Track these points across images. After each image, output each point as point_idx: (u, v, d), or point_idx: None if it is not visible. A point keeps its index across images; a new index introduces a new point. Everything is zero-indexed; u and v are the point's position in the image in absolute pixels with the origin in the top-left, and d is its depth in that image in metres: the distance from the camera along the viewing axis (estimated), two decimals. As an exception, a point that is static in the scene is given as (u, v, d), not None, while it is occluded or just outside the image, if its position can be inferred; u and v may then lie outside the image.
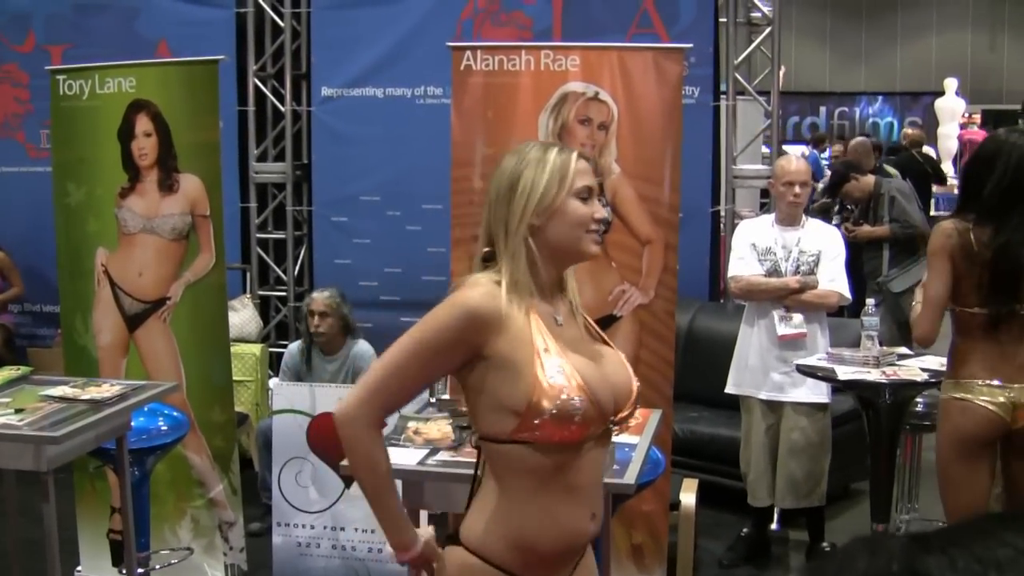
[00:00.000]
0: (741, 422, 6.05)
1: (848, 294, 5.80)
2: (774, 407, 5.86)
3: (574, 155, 2.63)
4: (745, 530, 6.12)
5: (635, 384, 2.68)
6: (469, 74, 5.36)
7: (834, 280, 5.75)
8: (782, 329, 5.74)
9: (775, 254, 5.78)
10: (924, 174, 12.29)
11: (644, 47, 5.62)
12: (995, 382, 4.19)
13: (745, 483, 6.03)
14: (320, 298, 6.50)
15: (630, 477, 3.66)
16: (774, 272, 5.76)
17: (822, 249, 5.79)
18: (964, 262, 4.18)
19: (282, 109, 8.35)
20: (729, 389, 5.99)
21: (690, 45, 5.98)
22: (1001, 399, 4.18)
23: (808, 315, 5.77)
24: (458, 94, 5.43)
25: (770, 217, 5.99)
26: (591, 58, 5.30)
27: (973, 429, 4.21)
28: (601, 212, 2.64)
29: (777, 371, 5.77)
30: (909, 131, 15.41)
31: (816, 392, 5.74)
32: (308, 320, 6.50)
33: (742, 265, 5.83)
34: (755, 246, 5.82)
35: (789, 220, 5.84)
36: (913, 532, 1.03)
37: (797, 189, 5.78)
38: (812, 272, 5.75)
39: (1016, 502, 4.38)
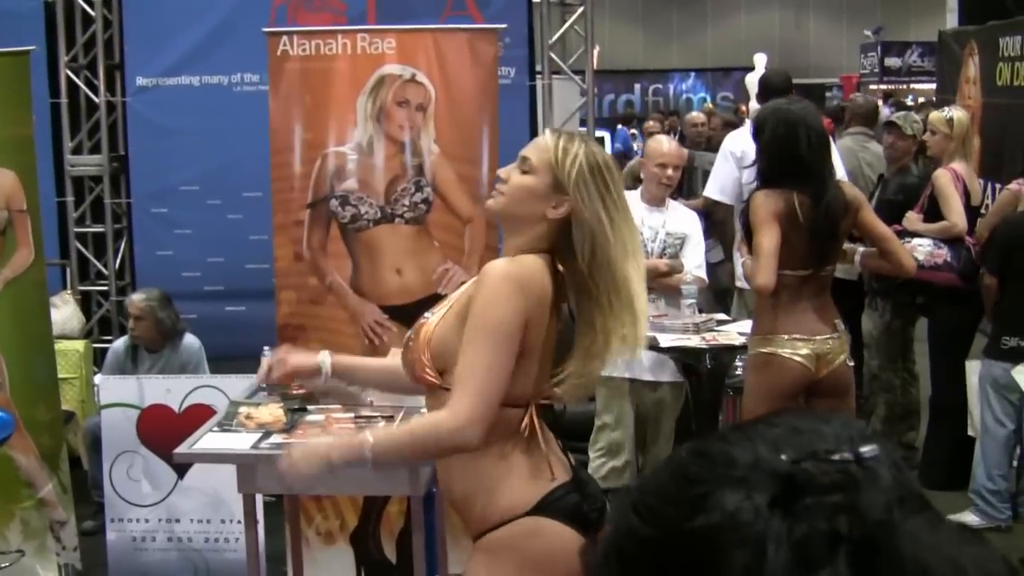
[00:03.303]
0: (598, 403, 6.04)
1: (707, 279, 5.95)
2: (639, 387, 5.93)
3: None
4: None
5: None
6: (286, 59, 5.37)
7: (700, 266, 5.86)
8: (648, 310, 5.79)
9: (642, 234, 5.70)
10: None
11: (459, 28, 5.72)
12: (799, 336, 4.44)
13: (604, 465, 6.00)
14: (136, 300, 6.36)
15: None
16: None
17: (688, 233, 5.87)
18: (789, 229, 4.39)
19: (96, 100, 8.18)
20: None
21: (504, 26, 6.08)
22: (805, 351, 4.46)
23: (669, 296, 5.80)
24: (275, 80, 5.43)
25: (636, 194, 5.87)
26: (407, 41, 5.36)
27: (781, 381, 4.49)
28: None
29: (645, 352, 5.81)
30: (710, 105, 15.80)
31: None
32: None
33: None
34: None
35: (656, 201, 5.87)
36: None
37: (670, 172, 5.78)
38: (676, 255, 5.83)
39: None
